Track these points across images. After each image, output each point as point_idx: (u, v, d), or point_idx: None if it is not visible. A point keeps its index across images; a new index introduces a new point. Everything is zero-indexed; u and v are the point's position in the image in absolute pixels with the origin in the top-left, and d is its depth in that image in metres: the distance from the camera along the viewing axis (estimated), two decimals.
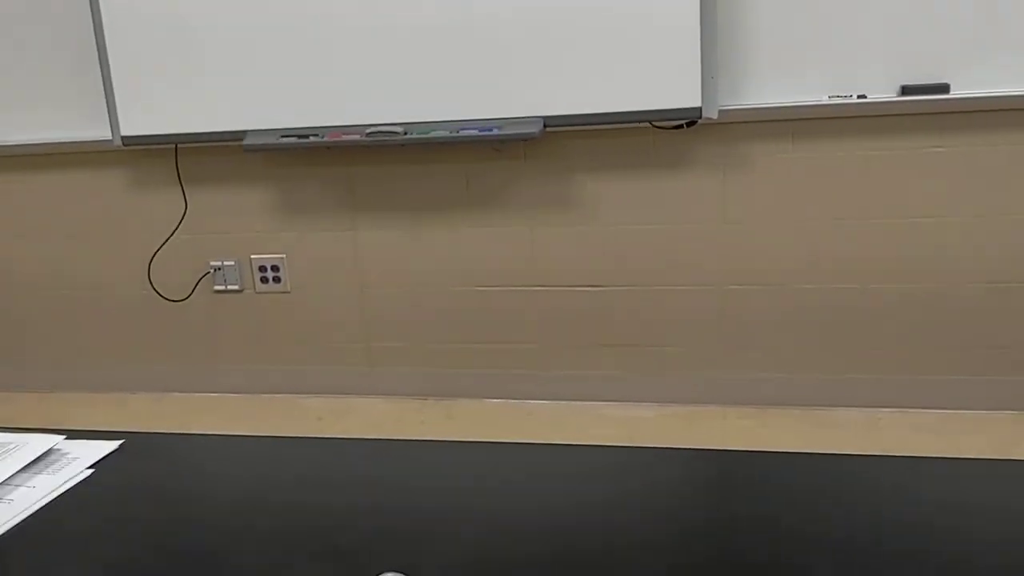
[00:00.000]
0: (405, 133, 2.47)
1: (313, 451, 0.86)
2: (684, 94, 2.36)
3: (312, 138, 2.54)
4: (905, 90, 2.36)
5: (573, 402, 2.72)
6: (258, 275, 2.83)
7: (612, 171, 2.56)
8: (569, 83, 2.40)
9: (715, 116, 2.39)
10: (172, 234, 2.86)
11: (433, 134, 2.46)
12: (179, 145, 2.76)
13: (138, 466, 0.87)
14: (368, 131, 2.49)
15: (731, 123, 2.45)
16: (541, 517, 0.71)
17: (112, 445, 0.92)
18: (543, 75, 2.41)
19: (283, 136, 2.56)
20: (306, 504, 0.76)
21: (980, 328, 2.47)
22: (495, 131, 2.42)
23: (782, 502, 0.69)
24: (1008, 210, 2.39)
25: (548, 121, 2.41)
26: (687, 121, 2.46)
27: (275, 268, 2.82)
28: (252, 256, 2.83)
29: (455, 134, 2.44)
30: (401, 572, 0.63)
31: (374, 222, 2.73)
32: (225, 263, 2.84)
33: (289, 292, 2.84)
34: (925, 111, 2.36)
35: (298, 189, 2.75)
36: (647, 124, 2.48)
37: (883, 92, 2.37)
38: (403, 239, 2.72)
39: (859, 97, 2.39)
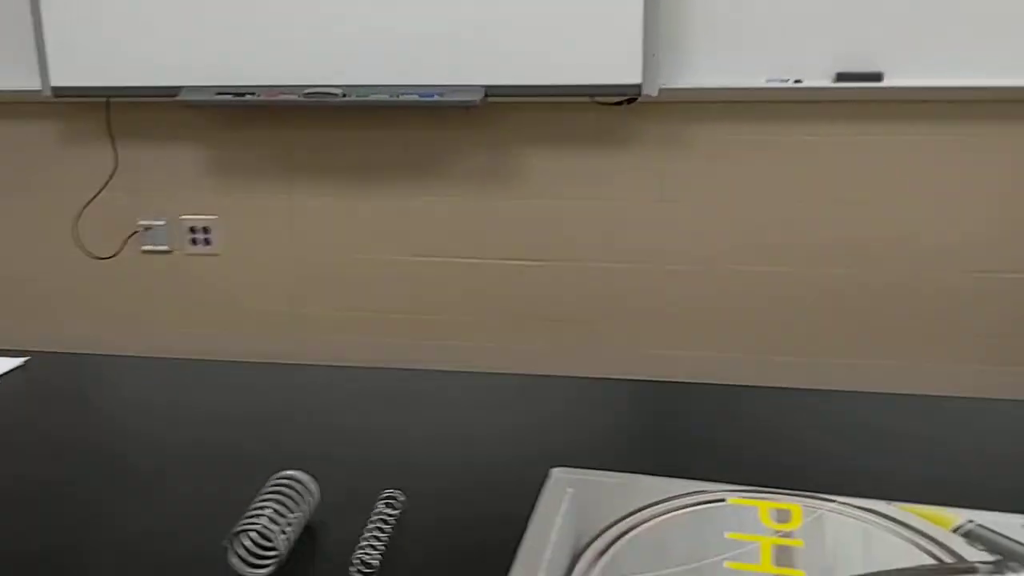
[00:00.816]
0: (344, 96, 2.44)
1: (231, 375, 0.84)
2: (625, 71, 2.36)
3: (249, 96, 2.49)
4: (840, 77, 2.40)
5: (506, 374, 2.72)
6: (188, 236, 2.78)
7: (552, 145, 2.56)
8: (512, 53, 2.39)
9: (655, 94, 2.40)
10: (100, 191, 2.79)
11: (373, 97, 2.43)
12: (111, 99, 2.68)
13: (41, 379, 0.84)
14: (306, 91, 2.46)
15: (671, 102, 2.47)
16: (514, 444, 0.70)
17: (16, 361, 0.89)
18: (486, 44, 2.40)
19: (219, 93, 2.51)
20: (212, 422, 0.74)
21: (900, 312, 2.53)
22: (436, 97, 2.41)
23: (741, 427, 0.69)
24: (934, 199, 2.44)
25: (490, 90, 2.40)
26: (628, 98, 2.47)
27: (206, 230, 2.76)
28: (182, 217, 2.77)
29: (395, 98, 2.42)
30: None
31: (310, 187, 2.69)
32: (154, 223, 2.78)
33: (219, 255, 2.78)
34: (859, 98, 2.41)
35: (233, 150, 2.69)
36: (588, 99, 2.48)
37: (819, 78, 2.41)
38: (339, 205, 2.69)
39: (796, 82, 2.42)
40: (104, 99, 2.69)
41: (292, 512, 0.56)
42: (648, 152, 2.53)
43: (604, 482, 0.49)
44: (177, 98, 2.51)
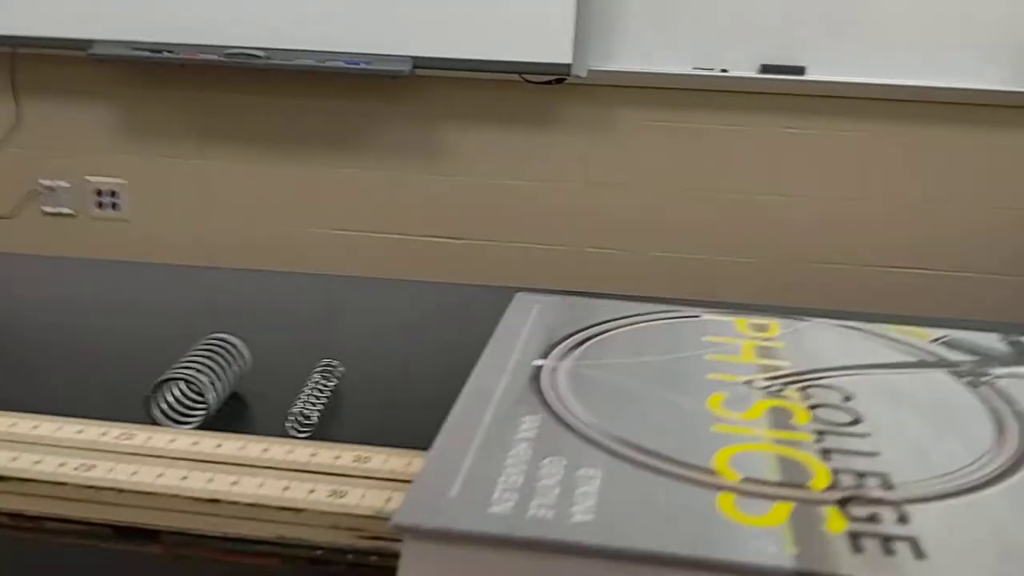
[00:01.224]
0: (267, 59, 2.36)
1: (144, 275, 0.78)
2: (555, 50, 2.35)
3: (166, 54, 2.39)
4: (764, 69, 2.44)
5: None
6: (94, 199, 2.64)
7: (478, 122, 2.53)
8: (442, 25, 2.35)
9: (584, 75, 2.40)
10: None
11: (297, 62, 2.36)
12: (16, 49, 2.54)
13: None
14: (227, 52, 2.37)
15: (599, 85, 2.46)
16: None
17: None
18: (416, 15, 2.35)
19: (134, 49, 2.40)
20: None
21: (820, 302, 2.57)
22: (362, 65, 2.35)
23: None
24: (852, 194, 2.49)
25: (418, 62, 2.36)
26: (556, 78, 2.45)
27: (113, 193, 2.63)
28: (88, 178, 2.63)
29: (320, 64, 2.35)
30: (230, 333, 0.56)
31: (227, 153, 2.60)
32: (58, 183, 2.64)
33: (128, 220, 2.66)
34: (782, 91, 2.44)
35: (145, 110, 2.58)
36: (517, 77, 2.46)
37: (744, 69, 2.44)
38: (256, 173, 2.60)
39: (721, 71, 2.44)
40: (9, 49, 2.54)
41: (222, 367, 0.51)
42: (574, 134, 2.52)
43: (574, 301, 0.46)
44: (88, 52, 2.39)
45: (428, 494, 0.28)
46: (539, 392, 0.37)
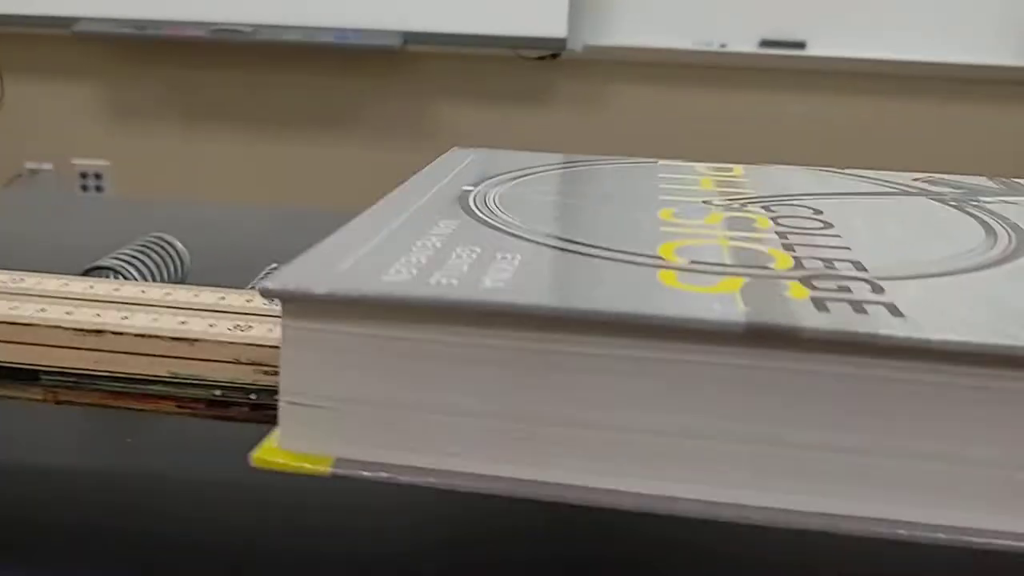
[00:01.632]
0: (254, 34, 2.31)
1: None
2: (550, 24, 2.30)
3: (151, 31, 2.34)
4: (764, 44, 2.38)
5: None
6: (78, 182, 2.59)
7: (471, 99, 2.47)
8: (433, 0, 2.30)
9: (580, 50, 2.34)
10: None
11: (284, 37, 2.31)
12: None
13: None
14: (213, 28, 2.32)
15: (595, 60, 2.41)
16: None
17: None
18: None
19: (118, 26, 2.35)
20: None
21: None
22: (352, 40, 2.30)
23: None
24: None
25: (409, 37, 2.30)
26: (551, 53, 2.40)
27: (98, 176, 2.58)
28: (73, 161, 2.58)
29: (309, 39, 2.30)
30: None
31: (214, 132, 2.54)
32: (42, 166, 2.58)
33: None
34: (783, 67, 2.39)
35: (131, 89, 2.53)
36: (511, 52, 2.40)
37: (744, 44, 2.38)
38: (243, 152, 2.55)
39: (721, 46, 2.39)
40: None
41: (155, 263, 0.46)
42: (570, 111, 2.46)
43: (518, 154, 0.40)
44: (72, 29, 2.34)
45: (312, 267, 0.22)
46: (463, 205, 0.31)
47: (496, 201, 0.32)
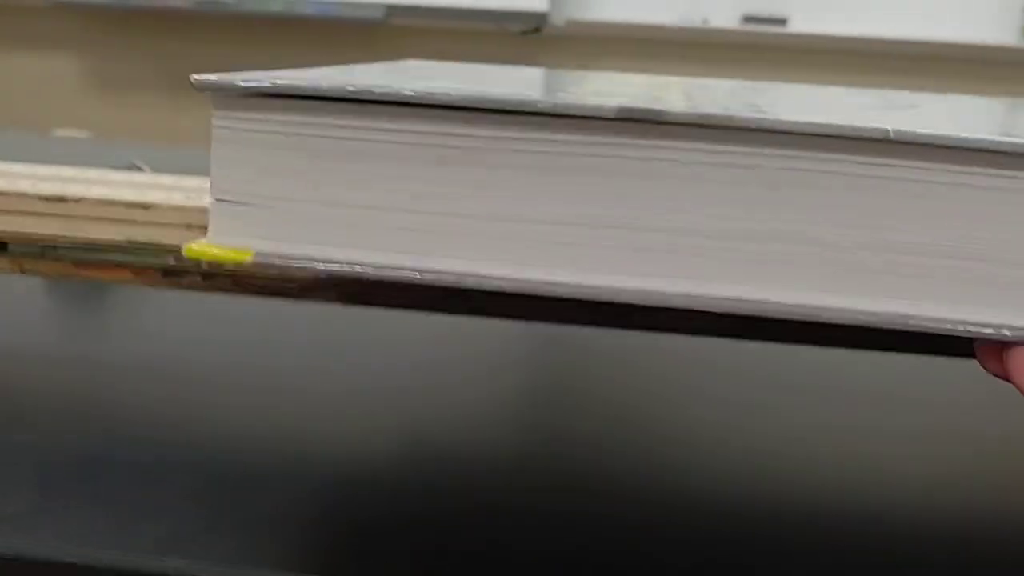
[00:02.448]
0: (237, 5, 2.32)
1: None
2: None
3: (133, 1, 2.34)
4: (746, 20, 2.40)
5: None
6: None
7: None
8: None
9: (562, 24, 2.35)
10: None
11: (267, 8, 2.31)
12: None
13: None
14: None
15: (578, 35, 2.42)
16: None
17: None
18: None
19: None
20: None
21: None
22: (334, 12, 2.30)
23: None
24: None
25: (391, 10, 2.31)
26: (533, 28, 2.41)
27: None
28: (55, 132, 2.57)
29: (291, 10, 2.31)
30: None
31: (195, 103, 2.54)
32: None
33: None
34: (764, 43, 2.40)
35: (113, 60, 2.52)
36: (494, 27, 2.41)
37: (726, 19, 2.40)
38: None
39: (703, 21, 2.41)
40: None
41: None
42: None
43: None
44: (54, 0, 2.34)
45: (242, 75, 0.24)
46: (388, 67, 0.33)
47: (417, 67, 0.34)
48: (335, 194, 0.22)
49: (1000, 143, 0.19)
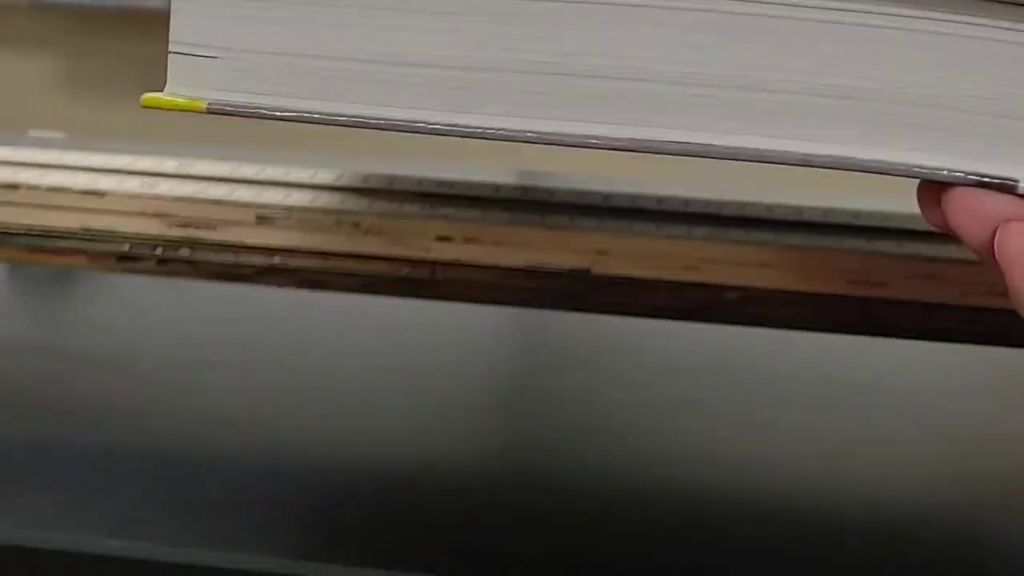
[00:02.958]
0: None
1: None
2: None
3: (110, 2, 2.33)
4: None
5: None
6: None
7: None
8: None
9: None
10: None
11: None
12: None
13: None
14: None
15: None
16: None
17: None
18: None
19: None
20: None
21: None
22: None
23: None
24: None
25: None
26: None
27: None
28: (30, 133, 2.56)
29: None
30: None
31: None
32: None
33: None
34: None
35: (89, 60, 2.50)
36: None
37: None
38: None
39: None
40: None
41: None
42: None
43: None
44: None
45: None
46: None
47: None
48: (282, 42, 0.23)
49: None
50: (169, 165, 0.35)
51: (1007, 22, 0.20)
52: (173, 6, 0.24)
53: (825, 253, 0.31)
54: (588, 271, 0.32)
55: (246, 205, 0.32)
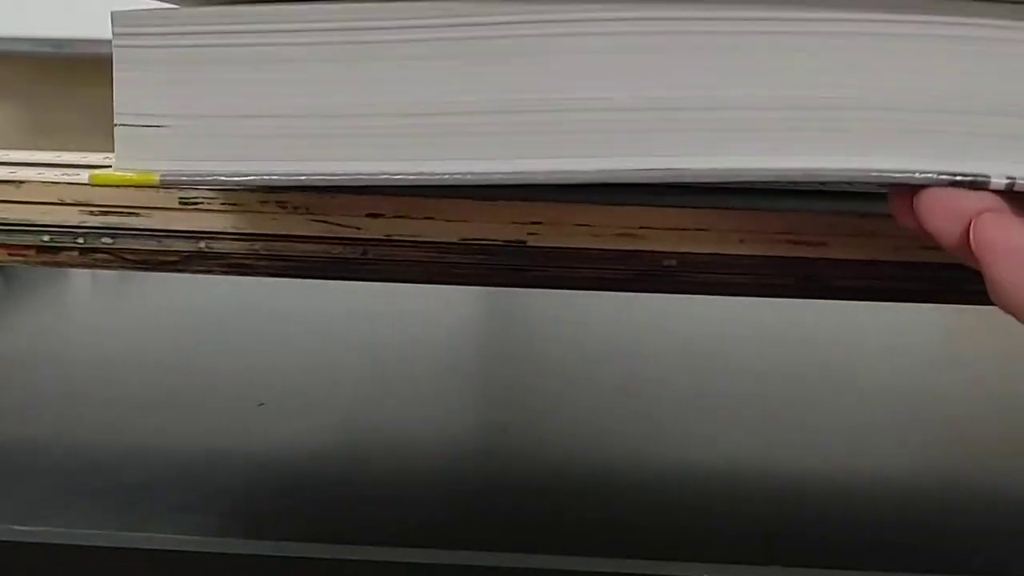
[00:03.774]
0: None
1: None
2: None
3: (68, 50, 2.32)
4: None
5: None
6: None
7: None
8: None
9: None
10: None
11: None
12: None
13: None
14: None
15: None
16: None
17: None
18: None
19: (37, 45, 2.33)
20: None
21: None
22: None
23: None
24: None
25: None
26: None
27: None
28: None
29: None
30: None
31: None
32: None
33: None
34: None
35: (51, 109, 2.49)
36: None
37: None
38: None
39: None
40: None
41: None
42: None
43: None
44: None
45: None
46: None
47: None
48: (233, 105, 0.22)
49: None
50: (94, 157, 0.34)
51: (961, 17, 0.20)
52: (116, 76, 0.24)
53: (764, 214, 0.31)
54: (524, 243, 0.31)
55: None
